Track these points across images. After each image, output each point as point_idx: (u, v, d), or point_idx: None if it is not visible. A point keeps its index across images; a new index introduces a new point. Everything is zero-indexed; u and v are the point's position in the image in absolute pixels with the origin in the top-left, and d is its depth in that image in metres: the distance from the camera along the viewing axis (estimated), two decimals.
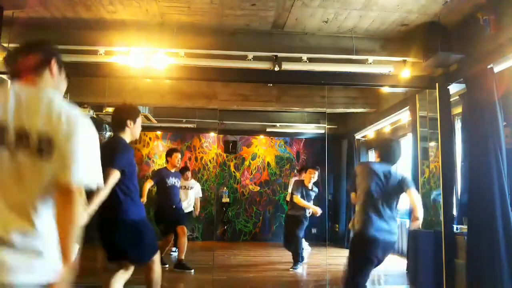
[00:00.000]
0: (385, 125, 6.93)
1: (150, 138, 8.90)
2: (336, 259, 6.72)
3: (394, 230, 3.13)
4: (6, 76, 4.73)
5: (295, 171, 8.68)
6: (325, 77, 4.85)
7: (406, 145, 6.87)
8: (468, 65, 4.18)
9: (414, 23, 4.50)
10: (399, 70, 4.70)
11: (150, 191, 5.67)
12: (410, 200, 3.13)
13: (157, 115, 7.36)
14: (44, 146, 1.31)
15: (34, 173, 1.31)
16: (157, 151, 8.87)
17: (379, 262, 3.18)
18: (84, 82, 6.15)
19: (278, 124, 7.98)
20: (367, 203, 3.13)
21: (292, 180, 7.57)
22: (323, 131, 7.96)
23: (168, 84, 6.12)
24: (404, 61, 4.67)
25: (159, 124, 7.67)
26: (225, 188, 8.79)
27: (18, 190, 1.30)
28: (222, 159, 8.98)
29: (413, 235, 4.97)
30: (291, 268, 5.60)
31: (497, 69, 3.86)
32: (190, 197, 6.68)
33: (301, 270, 5.75)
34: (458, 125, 5.03)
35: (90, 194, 2.77)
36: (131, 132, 2.98)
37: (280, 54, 4.64)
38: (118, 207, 2.78)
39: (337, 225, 8.39)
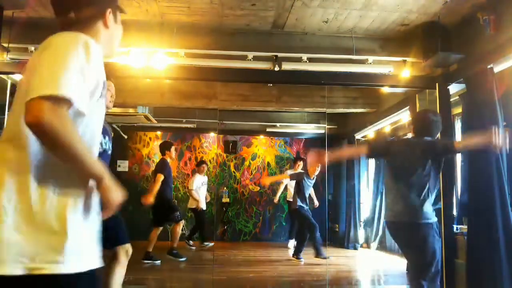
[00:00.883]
0: (385, 125, 6.93)
1: (150, 138, 8.90)
2: (336, 259, 6.73)
3: None
4: (6, 76, 4.74)
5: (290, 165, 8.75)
6: (325, 77, 4.85)
7: None
8: (468, 65, 4.18)
9: (414, 23, 4.50)
10: (399, 70, 4.70)
11: None
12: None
13: (157, 115, 7.36)
14: None
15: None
16: (157, 151, 8.86)
17: None
18: None
19: (278, 124, 7.98)
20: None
21: (287, 173, 7.62)
22: (323, 131, 7.96)
23: (168, 84, 6.12)
24: (404, 61, 4.67)
25: (159, 124, 7.68)
26: (225, 188, 8.79)
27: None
28: (222, 159, 8.98)
29: None
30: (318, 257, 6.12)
31: (497, 69, 3.86)
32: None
33: (300, 269, 5.76)
34: (458, 125, 5.03)
35: None
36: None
37: (280, 54, 4.64)
38: None
39: (337, 225, 8.39)
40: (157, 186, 5.61)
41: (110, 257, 2.85)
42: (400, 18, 4.41)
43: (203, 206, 7.13)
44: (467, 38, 4.23)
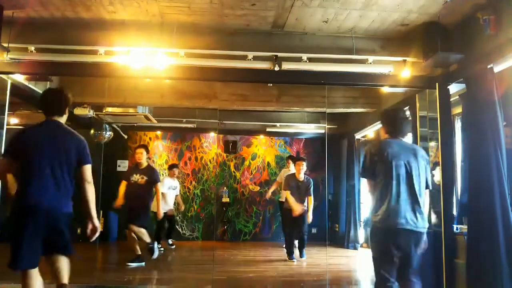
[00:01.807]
0: None
1: (150, 138, 8.90)
2: (336, 259, 6.73)
3: None
4: (6, 76, 4.74)
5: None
6: (325, 77, 4.84)
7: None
8: (468, 65, 4.18)
9: (414, 23, 4.50)
10: (399, 70, 4.70)
11: None
12: None
13: (157, 115, 7.36)
14: None
15: None
16: (157, 151, 8.87)
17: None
18: (84, 82, 6.17)
19: (278, 124, 7.97)
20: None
21: (282, 172, 7.63)
22: (323, 131, 7.96)
23: (168, 84, 6.11)
24: (404, 61, 4.67)
25: (159, 124, 7.67)
26: (225, 188, 8.79)
27: None
28: (222, 159, 8.98)
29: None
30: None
31: (497, 69, 3.86)
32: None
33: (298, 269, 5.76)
34: (458, 125, 5.03)
35: None
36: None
37: (280, 54, 4.64)
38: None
39: (337, 225, 8.39)
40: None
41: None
42: (400, 18, 4.41)
43: (161, 213, 6.00)
44: (467, 38, 4.23)
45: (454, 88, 4.61)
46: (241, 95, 6.44)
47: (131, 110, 6.65)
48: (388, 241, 2.85)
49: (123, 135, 8.40)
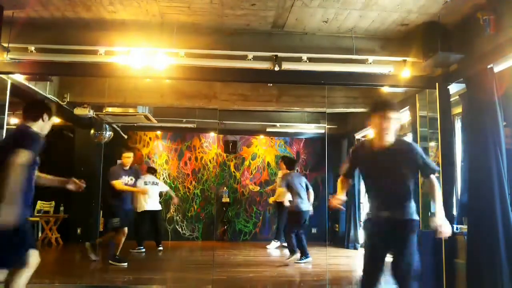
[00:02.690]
0: None
1: (150, 138, 8.90)
2: (336, 259, 6.74)
3: None
4: (6, 76, 4.74)
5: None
6: (325, 77, 4.84)
7: None
8: (468, 65, 4.18)
9: (414, 23, 4.50)
10: (399, 70, 4.70)
11: None
12: None
13: (157, 115, 7.36)
14: None
15: None
16: (157, 151, 8.87)
17: None
18: (84, 82, 6.17)
19: (278, 124, 7.97)
20: None
21: (280, 174, 7.62)
22: (323, 131, 7.96)
23: (168, 84, 6.11)
24: (404, 61, 4.67)
25: (159, 124, 7.67)
26: (225, 188, 8.79)
27: None
28: (222, 159, 8.98)
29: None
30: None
31: (497, 69, 3.86)
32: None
33: (298, 269, 5.76)
34: (458, 125, 5.03)
35: None
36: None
37: (280, 54, 4.64)
38: None
39: (337, 225, 8.39)
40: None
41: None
42: (400, 18, 4.41)
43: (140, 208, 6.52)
44: (467, 38, 4.23)
45: (454, 88, 4.60)
46: (241, 95, 6.44)
47: (131, 110, 6.65)
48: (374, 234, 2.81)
49: (123, 135, 8.39)
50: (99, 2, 4.15)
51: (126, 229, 5.55)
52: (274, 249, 7.55)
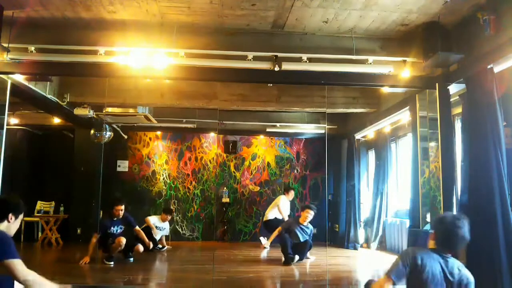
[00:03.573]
0: (385, 125, 6.93)
1: (150, 138, 8.90)
2: (336, 259, 6.73)
3: None
4: (6, 76, 4.75)
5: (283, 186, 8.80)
6: (325, 77, 4.85)
7: (406, 145, 6.91)
8: (468, 65, 4.18)
9: (414, 23, 4.50)
10: (399, 70, 4.70)
11: None
12: None
13: (157, 115, 7.36)
14: None
15: None
16: (157, 151, 8.88)
17: None
18: (84, 82, 6.18)
19: (278, 124, 7.98)
20: None
21: (281, 198, 7.80)
22: (323, 131, 7.97)
23: (168, 84, 6.12)
24: (404, 61, 4.67)
25: (159, 124, 7.67)
26: (225, 188, 8.79)
27: None
28: (222, 159, 8.98)
29: (413, 235, 4.98)
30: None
31: (497, 69, 3.86)
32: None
33: (298, 269, 5.76)
34: (458, 125, 5.03)
35: None
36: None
37: (280, 54, 4.64)
38: None
39: (337, 225, 8.39)
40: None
41: None
42: (400, 18, 4.41)
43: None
44: (467, 38, 4.23)
45: (454, 88, 4.61)
46: (241, 95, 6.44)
47: (131, 110, 6.65)
48: None
49: (123, 135, 8.40)
50: (99, 2, 4.15)
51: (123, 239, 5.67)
52: (274, 249, 7.54)
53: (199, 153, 8.95)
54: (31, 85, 5.28)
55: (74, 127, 7.83)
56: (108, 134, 7.03)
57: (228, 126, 7.92)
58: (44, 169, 8.54)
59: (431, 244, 2.40)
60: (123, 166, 8.76)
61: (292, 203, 8.35)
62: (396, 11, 4.26)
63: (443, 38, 4.27)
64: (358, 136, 7.92)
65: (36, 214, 7.56)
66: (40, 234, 7.93)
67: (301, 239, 6.18)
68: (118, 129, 8.13)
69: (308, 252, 6.26)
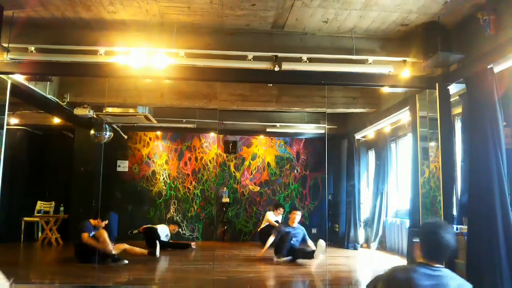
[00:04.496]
0: (385, 125, 6.93)
1: (150, 138, 8.90)
2: (336, 259, 6.73)
3: None
4: (6, 76, 4.74)
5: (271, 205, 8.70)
6: (325, 77, 4.85)
7: (406, 145, 6.91)
8: (468, 65, 4.18)
9: (414, 23, 4.50)
10: (399, 70, 4.70)
11: None
12: None
13: (157, 115, 7.36)
14: None
15: None
16: (157, 151, 8.87)
17: None
18: (84, 82, 6.18)
19: (278, 124, 7.97)
20: None
21: (268, 214, 7.84)
22: (323, 131, 7.96)
23: (168, 84, 6.12)
24: (404, 61, 4.68)
25: (159, 124, 7.67)
26: (225, 188, 8.79)
27: None
28: (222, 159, 8.98)
29: (413, 235, 4.97)
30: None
31: (497, 69, 3.86)
32: None
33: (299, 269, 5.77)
34: (458, 125, 5.03)
35: None
36: None
37: (280, 54, 4.64)
38: None
39: (337, 225, 8.39)
40: None
41: None
42: (400, 18, 4.41)
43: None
44: (467, 38, 4.23)
45: (454, 88, 4.61)
46: (241, 95, 6.44)
47: (131, 110, 6.65)
48: None
49: (123, 135, 8.40)
50: (99, 2, 4.15)
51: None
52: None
53: (199, 153, 8.95)
54: (31, 85, 5.28)
55: (74, 127, 7.83)
56: (108, 134, 7.03)
57: (228, 126, 7.92)
58: (44, 169, 8.54)
59: (418, 256, 2.14)
60: (123, 166, 8.76)
61: (292, 203, 8.35)
62: (396, 11, 4.26)
63: (443, 38, 4.27)
64: (358, 136, 7.92)
65: (36, 214, 7.56)
66: (40, 234, 7.93)
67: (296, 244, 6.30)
68: (118, 129, 8.13)
69: (320, 253, 6.17)
